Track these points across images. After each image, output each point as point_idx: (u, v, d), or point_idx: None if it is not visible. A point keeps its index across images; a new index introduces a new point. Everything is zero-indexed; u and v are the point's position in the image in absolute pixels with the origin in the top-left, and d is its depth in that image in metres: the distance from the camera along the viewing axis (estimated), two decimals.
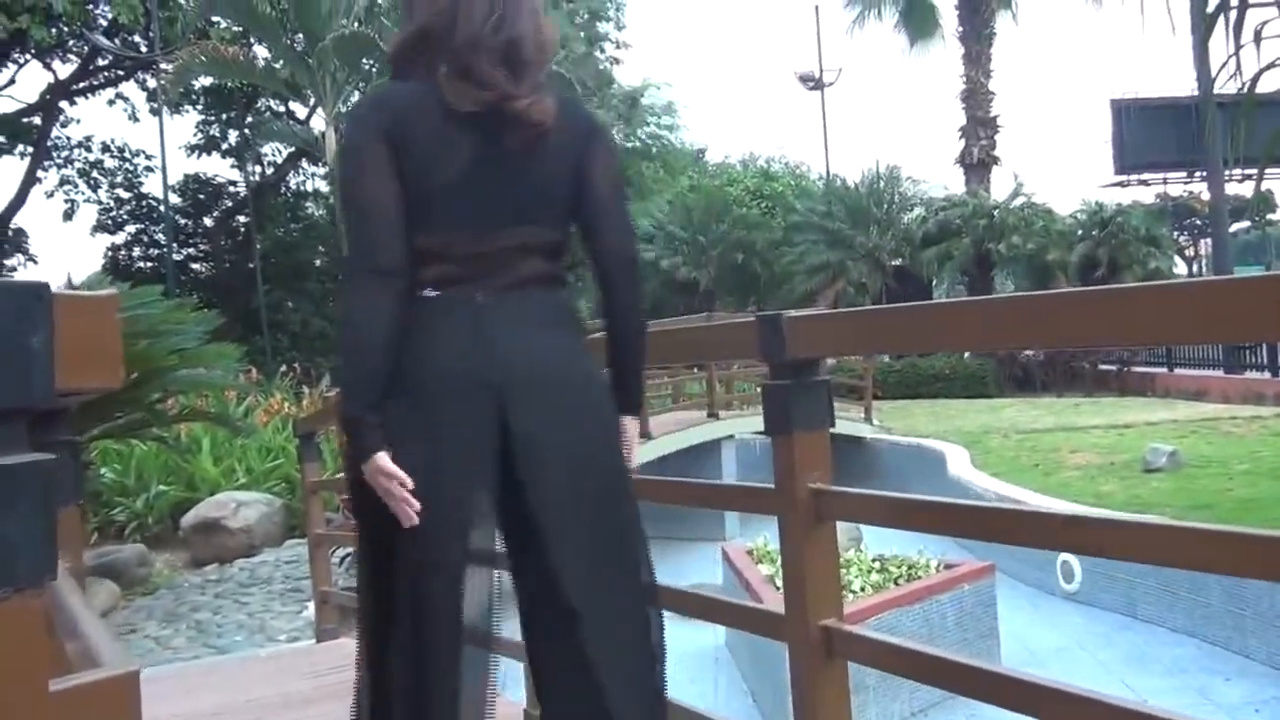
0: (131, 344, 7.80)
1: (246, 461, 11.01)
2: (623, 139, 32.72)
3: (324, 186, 28.74)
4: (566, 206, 2.25)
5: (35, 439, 1.05)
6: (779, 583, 7.84)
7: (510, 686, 3.97)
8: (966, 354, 23.33)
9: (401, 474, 2.04)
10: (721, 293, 28.50)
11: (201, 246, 30.48)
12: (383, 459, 2.04)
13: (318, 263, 29.96)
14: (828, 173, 32.21)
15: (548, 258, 2.24)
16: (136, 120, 27.26)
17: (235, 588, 8.06)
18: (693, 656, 8.31)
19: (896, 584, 7.42)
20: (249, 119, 27.74)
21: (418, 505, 2.03)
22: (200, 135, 28.58)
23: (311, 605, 6.33)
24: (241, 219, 29.84)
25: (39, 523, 0.95)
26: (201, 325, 7.83)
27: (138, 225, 29.31)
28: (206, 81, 24.66)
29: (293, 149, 28.39)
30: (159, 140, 20.27)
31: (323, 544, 5.66)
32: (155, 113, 22.67)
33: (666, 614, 2.26)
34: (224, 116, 28.23)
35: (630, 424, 2.35)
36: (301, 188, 32.05)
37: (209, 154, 28.81)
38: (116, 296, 1.00)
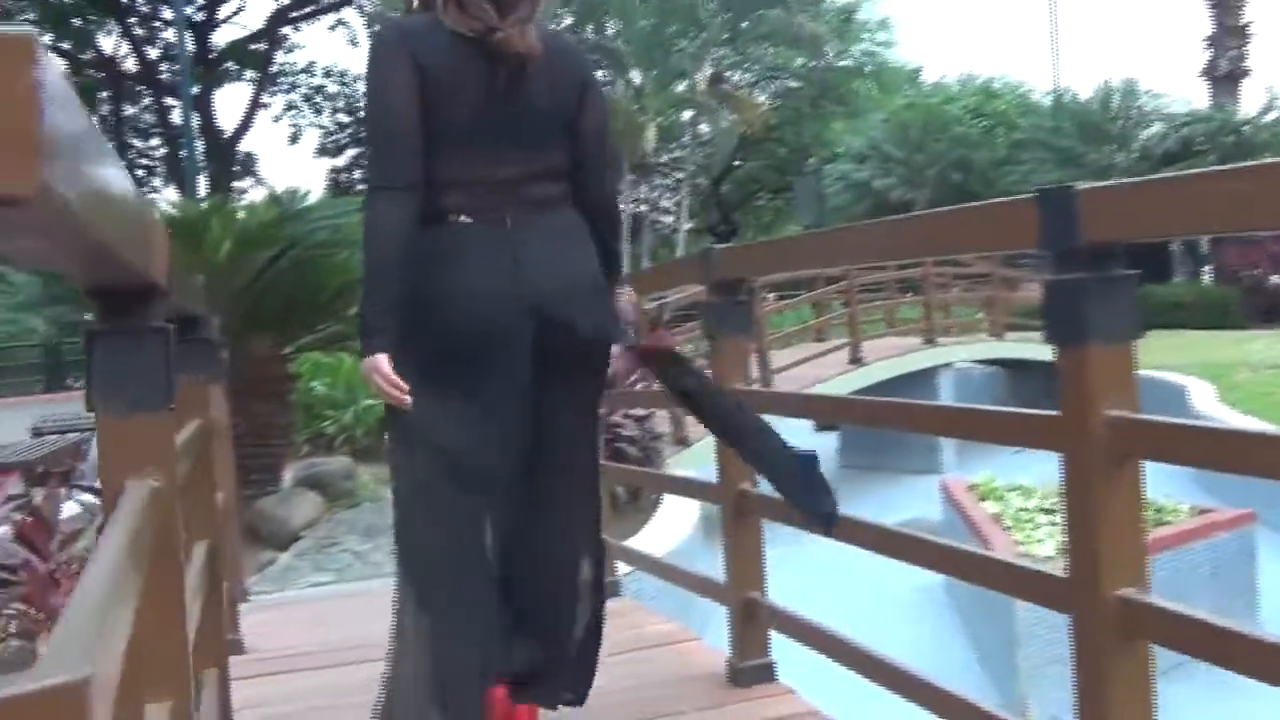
0: (333, 254, 7.74)
1: None
2: (835, 55, 31.63)
3: None
4: (565, 134, 2.41)
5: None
6: (1008, 522, 7.27)
7: (712, 634, 3.58)
8: (1206, 279, 21.58)
9: (399, 383, 2.20)
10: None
11: None
12: (384, 361, 2.20)
13: None
14: (1056, 86, 30.25)
15: (556, 180, 2.41)
16: (356, 45, 27.84)
17: None
18: (908, 595, 7.74)
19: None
20: None
21: (409, 401, 2.20)
22: None
23: None
24: None
25: None
26: None
27: (358, 149, 30.09)
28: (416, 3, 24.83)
29: None
30: None
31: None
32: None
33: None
34: None
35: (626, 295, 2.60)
36: None
37: None
38: (30, 36, 0.56)
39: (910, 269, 14.68)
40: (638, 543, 6.47)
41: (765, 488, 2.83)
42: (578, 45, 2.72)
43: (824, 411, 4.13)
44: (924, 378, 13.67)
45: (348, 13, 27.27)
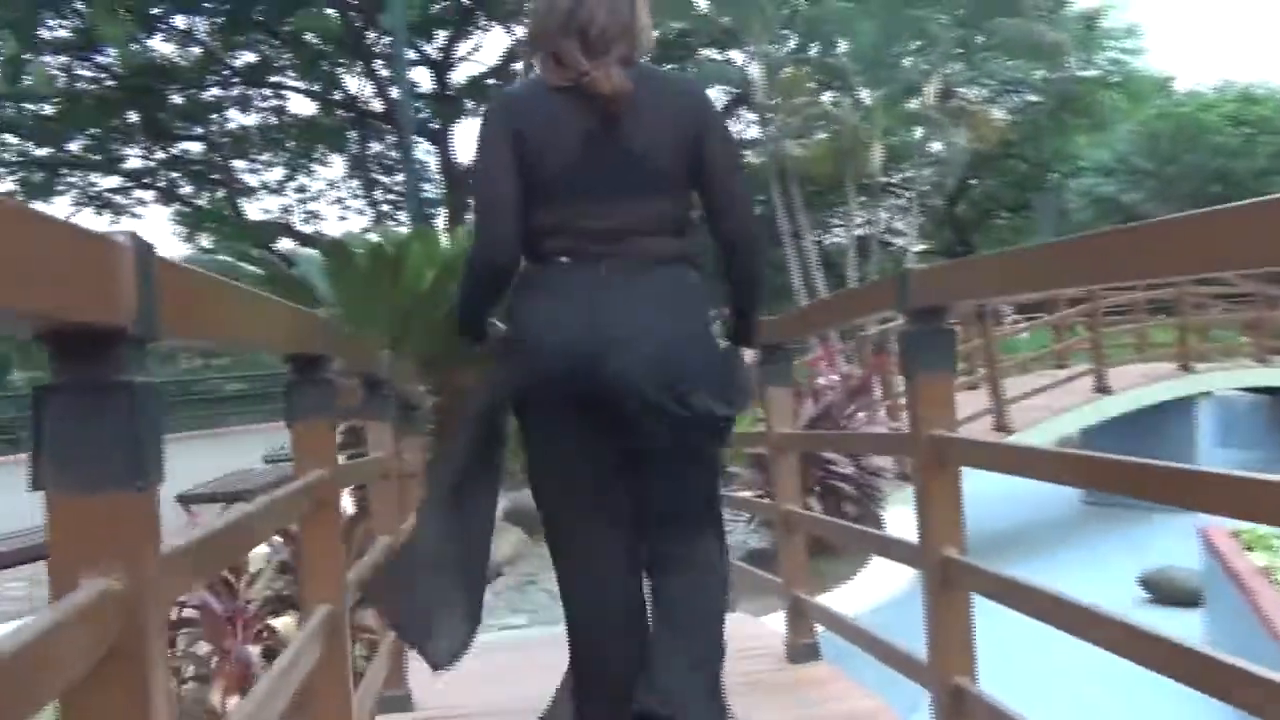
0: None
1: None
2: (1079, 64, 30.02)
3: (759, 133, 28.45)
4: (678, 180, 2.38)
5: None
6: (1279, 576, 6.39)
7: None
8: None
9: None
10: None
11: None
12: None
13: (757, 210, 29.84)
14: None
15: (675, 234, 2.40)
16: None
17: None
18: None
19: None
20: (689, 68, 27.92)
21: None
22: None
23: None
24: None
25: None
26: None
27: None
28: (654, 34, 24.93)
29: (731, 97, 28.38)
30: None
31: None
32: None
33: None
34: (666, 66, 28.58)
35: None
36: (740, 135, 32.15)
37: None
38: None
39: (1162, 288, 13.52)
40: (845, 595, 5.99)
41: (973, 556, 2.37)
42: (686, 82, 2.57)
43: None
44: (1179, 407, 12.52)
45: None
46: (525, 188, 2.36)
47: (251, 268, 6.21)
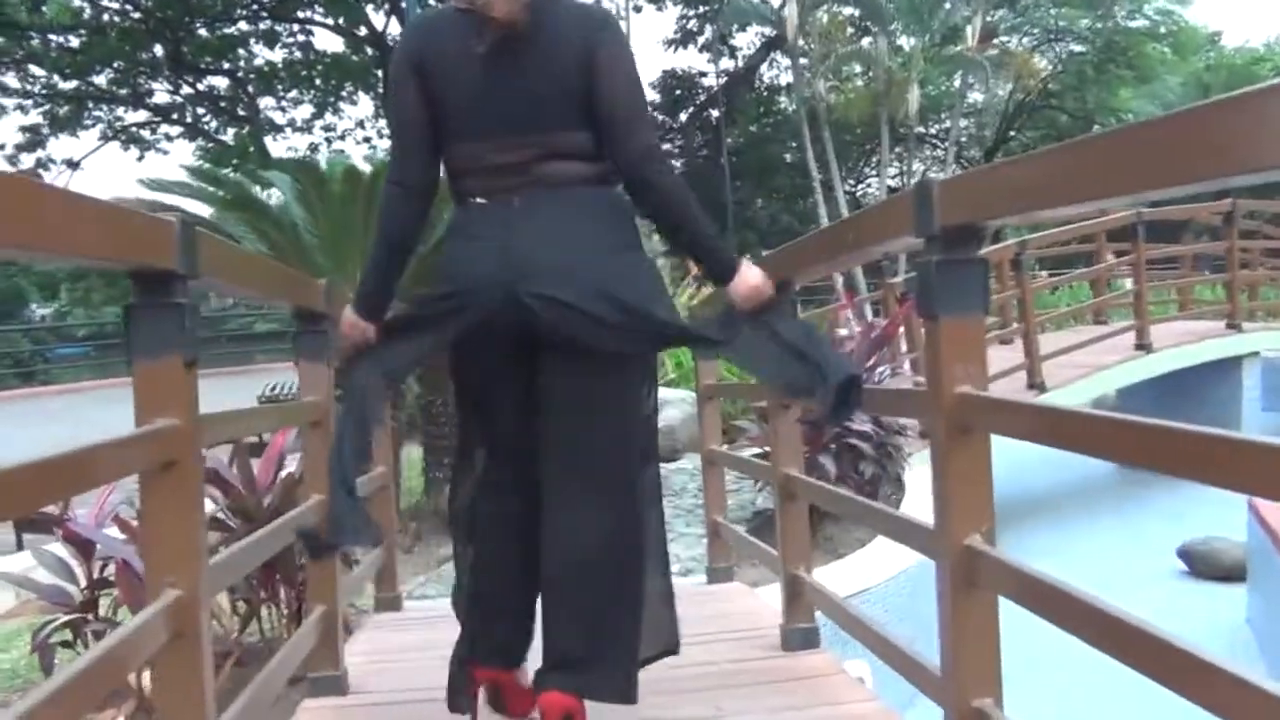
0: None
1: (676, 355, 10.13)
2: (1126, 15, 28.99)
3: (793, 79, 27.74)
4: (583, 107, 2.31)
5: None
6: None
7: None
8: None
9: (364, 329, 2.49)
10: (1243, 189, 24.43)
11: (677, 143, 30.77)
12: (350, 312, 2.52)
13: (788, 158, 29.33)
14: None
15: (586, 160, 2.36)
16: (622, 18, 27.43)
17: None
18: (1204, 634, 6.40)
19: None
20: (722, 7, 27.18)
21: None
22: (677, 29, 28.46)
23: None
24: (715, 114, 29.66)
25: None
26: None
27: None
28: None
29: (764, 40, 27.65)
30: (628, 34, 20.04)
31: (716, 463, 4.49)
32: (637, 9, 22.70)
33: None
34: (701, 9, 27.85)
35: (740, 287, 2.44)
36: (774, 81, 31.41)
37: (684, 47, 28.69)
38: None
39: (1209, 244, 12.84)
40: (859, 563, 5.48)
41: (1003, 549, 1.87)
42: (589, 9, 2.42)
43: None
44: (1224, 368, 11.87)
45: None
46: (434, 119, 2.38)
47: (213, 189, 5.68)
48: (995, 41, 24.24)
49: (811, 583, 3.12)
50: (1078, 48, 30.44)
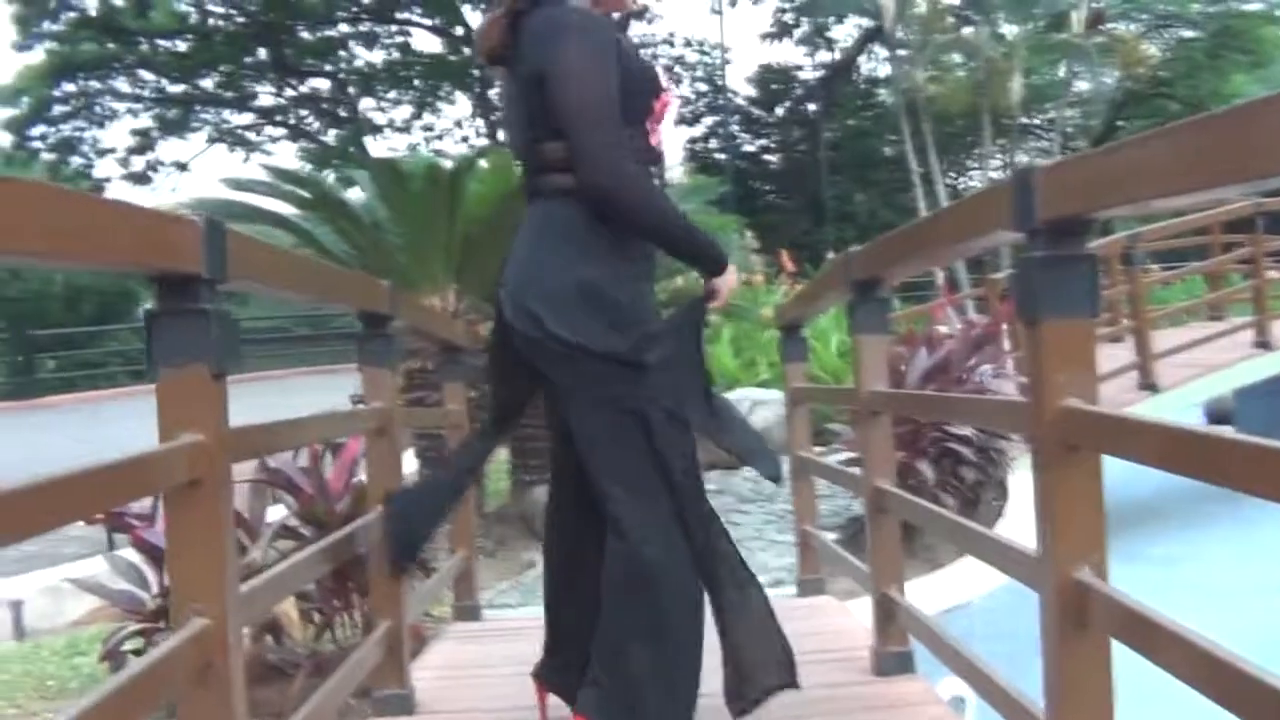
0: None
1: (770, 355, 9.89)
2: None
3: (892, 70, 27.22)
4: (547, 126, 2.29)
5: None
6: None
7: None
8: None
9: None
10: None
11: (774, 137, 30.49)
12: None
13: (887, 151, 28.85)
14: None
15: (554, 171, 2.32)
16: (717, 12, 27.20)
17: (733, 501, 6.83)
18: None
19: None
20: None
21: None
22: (774, 23, 28.11)
23: None
24: (812, 108, 29.29)
25: None
26: (702, 192, 6.74)
27: (714, 118, 29.67)
28: None
29: (862, 31, 27.20)
30: (723, 31, 19.85)
31: (806, 469, 4.29)
32: (732, 3, 22.47)
33: None
34: (798, 2, 27.48)
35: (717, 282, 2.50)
36: (873, 73, 30.90)
37: (780, 40, 28.29)
38: None
39: None
40: (958, 575, 5.22)
41: (1114, 585, 1.65)
42: (554, 17, 2.28)
43: None
44: None
45: None
46: None
47: (295, 189, 5.61)
48: (1102, 28, 23.45)
49: (905, 605, 2.90)
50: (1189, 33, 29.39)
